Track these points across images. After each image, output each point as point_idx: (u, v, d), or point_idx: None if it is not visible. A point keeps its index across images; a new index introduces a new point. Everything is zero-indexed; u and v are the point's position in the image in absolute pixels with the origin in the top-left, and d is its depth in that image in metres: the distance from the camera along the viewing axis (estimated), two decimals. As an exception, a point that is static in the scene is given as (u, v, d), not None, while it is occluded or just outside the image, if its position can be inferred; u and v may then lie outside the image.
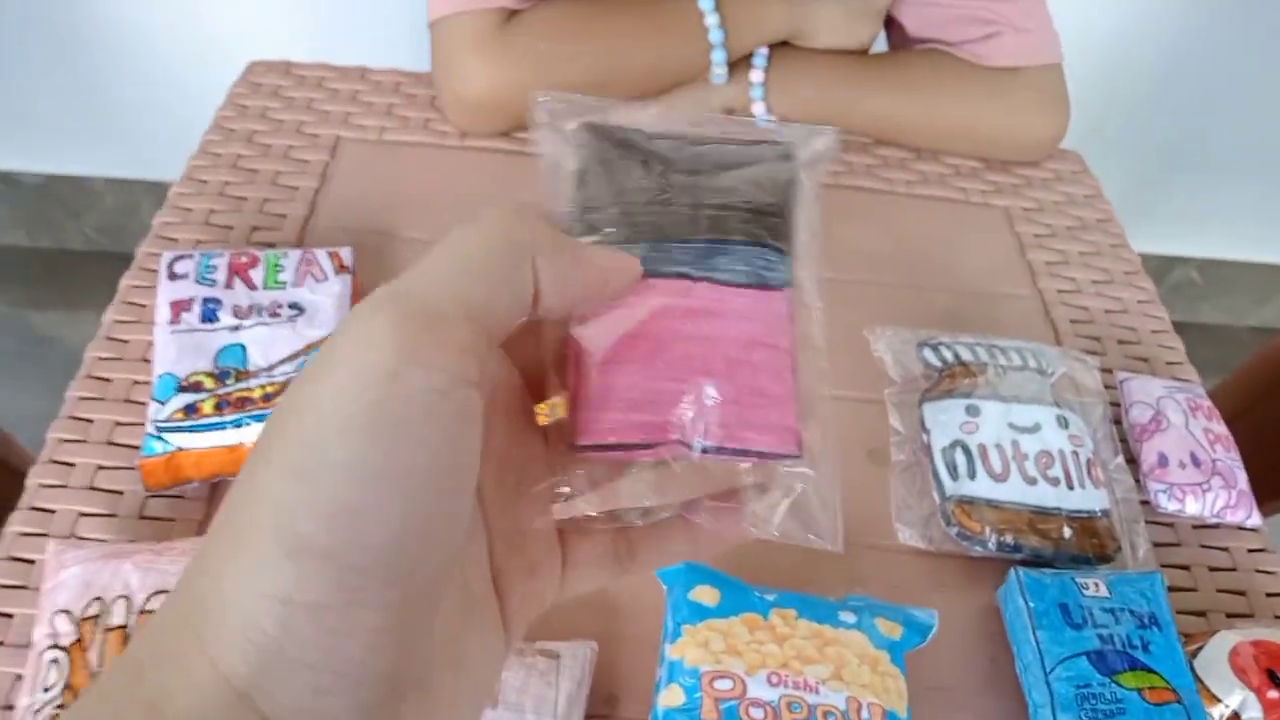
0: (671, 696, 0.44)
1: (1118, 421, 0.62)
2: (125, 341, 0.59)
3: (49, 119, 1.44)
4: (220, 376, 0.53)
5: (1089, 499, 0.54)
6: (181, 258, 0.58)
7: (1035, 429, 0.56)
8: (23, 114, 1.43)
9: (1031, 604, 0.49)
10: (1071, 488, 0.54)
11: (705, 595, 0.47)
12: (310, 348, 0.54)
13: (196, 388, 0.52)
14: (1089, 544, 0.53)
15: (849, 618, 0.47)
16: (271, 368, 0.53)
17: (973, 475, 0.54)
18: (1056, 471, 0.55)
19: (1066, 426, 0.57)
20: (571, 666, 0.45)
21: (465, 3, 0.70)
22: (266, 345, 0.54)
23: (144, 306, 0.60)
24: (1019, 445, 0.55)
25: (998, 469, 0.55)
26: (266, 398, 0.52)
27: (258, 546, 0.18)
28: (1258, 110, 1.49)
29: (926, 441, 0.57)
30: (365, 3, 1.30)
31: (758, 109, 0.78)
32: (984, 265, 0.73)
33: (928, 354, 0.61)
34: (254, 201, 0.68)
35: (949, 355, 0.61)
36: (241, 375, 0.53)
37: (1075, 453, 0.55)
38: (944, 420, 0.57)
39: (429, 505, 0.19)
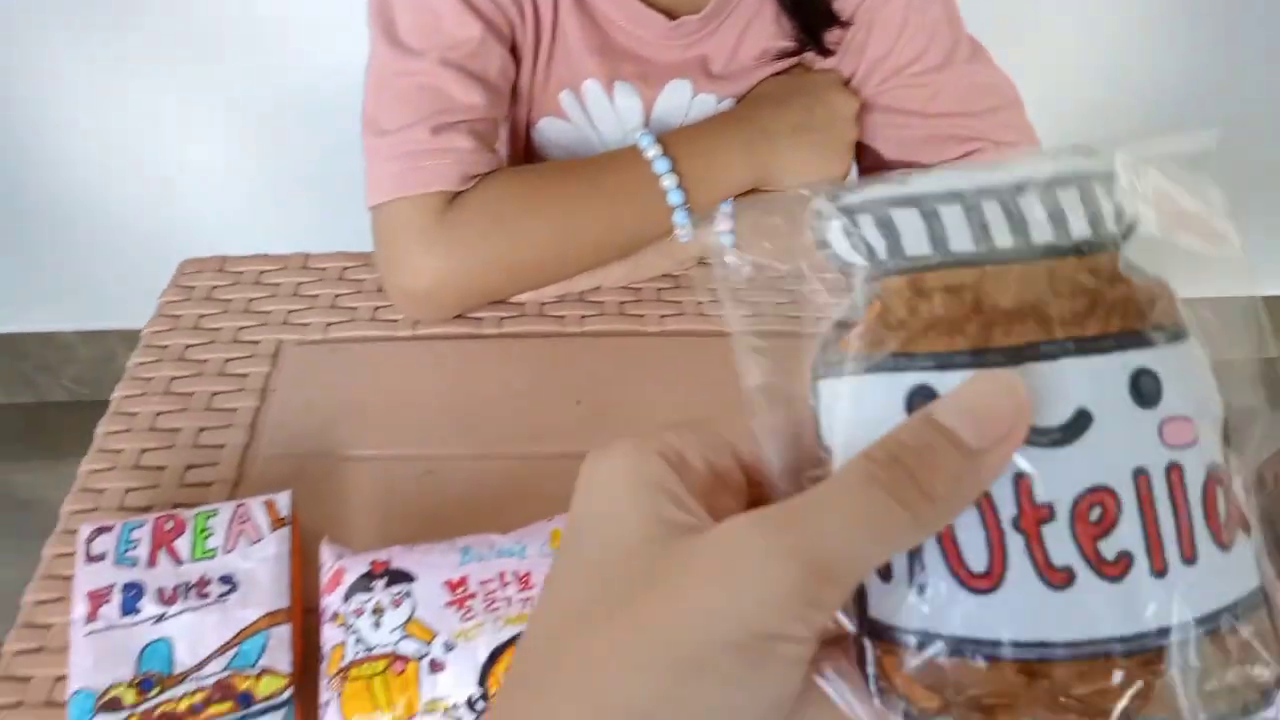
0: None
1: None
2: (47, 627, 0.53)
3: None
4: (143, 687, 0.47)
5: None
6: (101, 532, 0.52)
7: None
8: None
9: None
10: None
11: None
12: (243, 635, 0.48)
13: (114, 706, 0.46)
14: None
15: None
16: (201, 665, 0.48)
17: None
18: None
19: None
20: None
21: (404, 187, 0.65)
22: (194, 638, 0.48)
23: (66, 579, 0.54)
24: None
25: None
26: (193, 710, 0.46)
27: None
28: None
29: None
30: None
31: (730, 258, 0.72)
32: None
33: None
34: (187, 433, 0.62)
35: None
36: (166, 682, 0.47)
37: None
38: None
39: None
